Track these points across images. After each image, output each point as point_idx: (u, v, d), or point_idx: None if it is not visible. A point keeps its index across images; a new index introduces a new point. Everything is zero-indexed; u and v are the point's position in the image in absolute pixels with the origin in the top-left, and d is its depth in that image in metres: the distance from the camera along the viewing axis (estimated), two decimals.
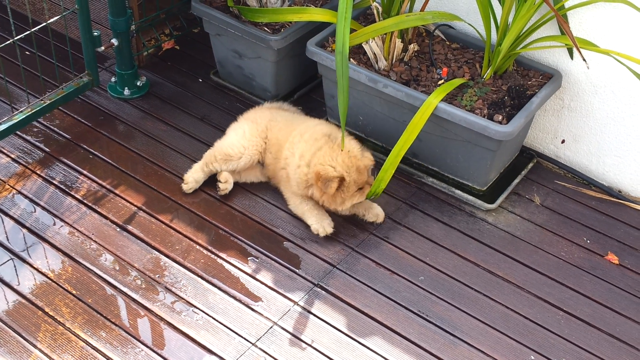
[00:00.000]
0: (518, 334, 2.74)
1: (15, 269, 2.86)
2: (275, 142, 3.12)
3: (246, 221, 3.08)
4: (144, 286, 2.83)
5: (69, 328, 2.68)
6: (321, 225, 3.01)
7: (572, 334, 2.75)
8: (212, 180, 3.19)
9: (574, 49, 3.09)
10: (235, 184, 3.18)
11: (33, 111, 3.25)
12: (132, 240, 2.99)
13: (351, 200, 2.97)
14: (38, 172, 3.23)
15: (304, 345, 2.68)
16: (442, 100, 2.99)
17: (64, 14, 3.27)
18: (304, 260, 2.95)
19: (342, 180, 2.89)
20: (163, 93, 3.66)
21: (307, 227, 3.05)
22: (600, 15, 3.00)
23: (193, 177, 3.16)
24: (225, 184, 3.13)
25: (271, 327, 2.73)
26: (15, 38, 3.08)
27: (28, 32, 3.16)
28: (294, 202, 3.08)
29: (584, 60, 2.93)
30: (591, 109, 3.20)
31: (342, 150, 2.92)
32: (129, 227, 3.03)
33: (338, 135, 2.99)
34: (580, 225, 3.14)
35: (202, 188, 3.19)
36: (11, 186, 3.16)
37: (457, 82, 3.08)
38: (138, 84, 3.63)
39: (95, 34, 3.34)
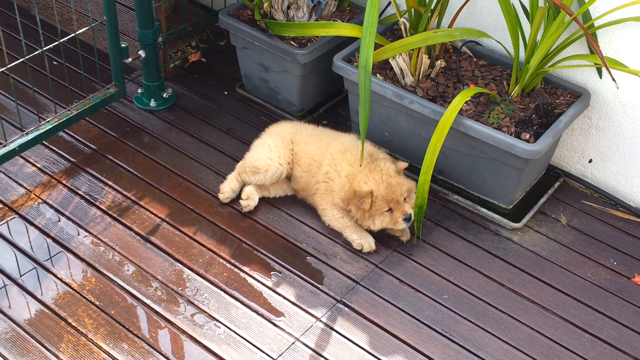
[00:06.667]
0: (543, 356, 2.70)
1: (39, 279, 2.87)
2: (304, 155, 3.11)
3: (269, 235, 3.08)
4: (165, 298, 2.82)
5: (91, 339, 2.68)
6: (366, 240, 3.01)
7: (597, 357, 2.71)
8: (239, 194, 3.20)
9: (603, 68, 3.06)
10: (260, 198, 3.18)
11: (60, 121, 3.27)
12: (155, 251, 2.99)
13: (380, 220, 2.95)
14: (63, 182, 3.24)
15: None
16: (470, 118, 2.97)
17: (92, 25, 3.29)
18: (327, 276, 2.94)
19: (371, 193, 2.90)
20: (189, 105, 3.67)
21: (331, 242, 3.04)
22: (630, 34, 2.97)
23: (229, 186, 3.17)
24: (247, 201, 3.13)
25: (293, 343, 2.71)
26: (44, 48, 3.10)
27: (57, 42, 3.18)
28: (333, 214, 3.06)
29: (614, 80, 2.90)
30: (620, 128, 3.16)
31: (360, 165, 2.95)
32: (153, 239, 3.03)
33: (379, 155, 3.03)
34: (607, 246, 3.10)
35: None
36: (37, 195, 3.17)
37: (481, 90, 3.04)
38: (164, 95, 3.64)
39: (123, 45, 3.36)
